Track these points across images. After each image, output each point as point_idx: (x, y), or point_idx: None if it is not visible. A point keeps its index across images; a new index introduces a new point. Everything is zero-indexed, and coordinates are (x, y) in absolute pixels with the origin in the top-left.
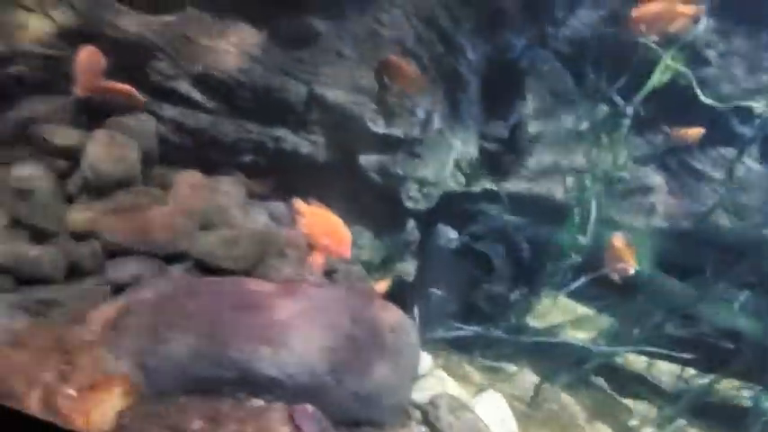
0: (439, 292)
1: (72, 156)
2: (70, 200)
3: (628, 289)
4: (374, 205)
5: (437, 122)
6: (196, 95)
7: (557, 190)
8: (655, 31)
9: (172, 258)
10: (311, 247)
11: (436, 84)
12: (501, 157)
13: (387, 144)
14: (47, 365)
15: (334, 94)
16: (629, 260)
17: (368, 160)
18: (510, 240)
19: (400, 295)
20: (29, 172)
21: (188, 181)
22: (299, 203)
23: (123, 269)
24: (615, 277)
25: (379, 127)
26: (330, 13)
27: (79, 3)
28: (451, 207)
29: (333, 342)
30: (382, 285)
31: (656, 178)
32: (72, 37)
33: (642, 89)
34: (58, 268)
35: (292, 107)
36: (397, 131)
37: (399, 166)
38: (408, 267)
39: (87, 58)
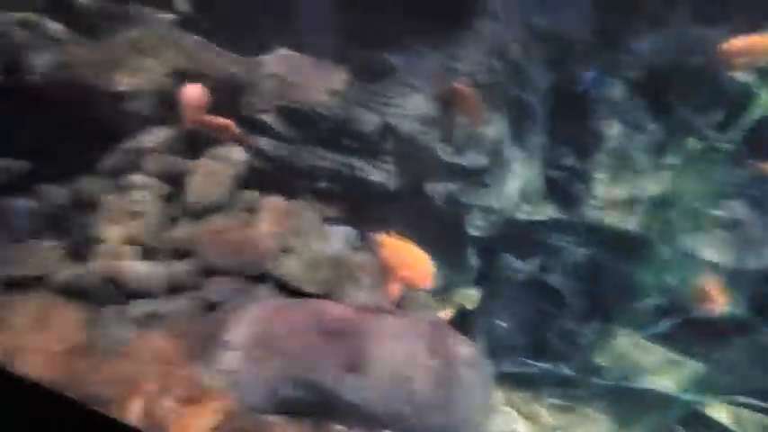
0: (505, 325)
1: (177, 182)
2: (173, 221)
3: (717, 333)
4: (438, 232)
5: (504, 151)
6: (280, 126)
7: (631, 221)
8: (743, 65)
9: (258, 278)
10: (390, 276)
11: (503, 112)
12: (568, 185)
13: (454, 173)
14: (149, 376)
15: (407, 125)
16: (718, 301)
17: (435, 188)
18: (582, 274)
19: (464, 325)
20: (141, 196)
21: (271, 206)
22: (380, 235)
23: (218, 288)
24: (705, 318)
25: (448, 156)
26: (405, 49)
27: (187, 46)
28: (516, 236)
29: (411, 372)
30: (447, 314)
31: (744, 212)
32: (180, 76)
33: (732, 121)
34: (162, 284)
35: (367, 137)
36: (465, 161)
37: (465, 195)
38: (470, 295)
39: (192, 94)
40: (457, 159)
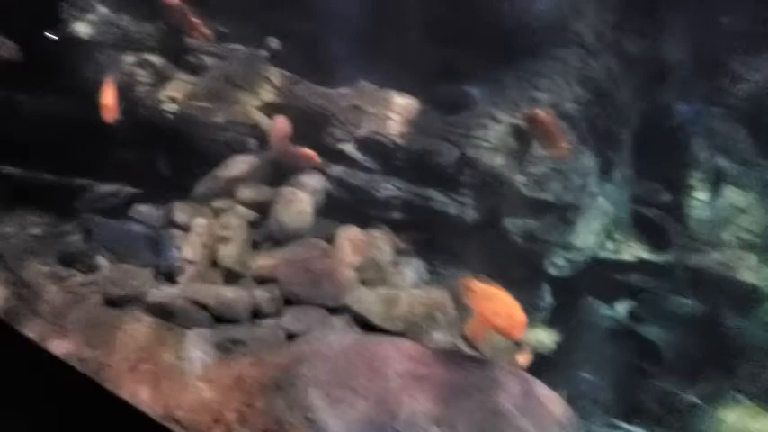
0: (590, 378)
1: (261, 209)
2: (255, 246)
3: None
4: (512, 268)
5: (589, 185)
6: (358, 156)
7: (741, 268)
8: None
9: (336, 310)
10: (479, 323)
11: (589, 144)
12: (661, 224)
13: (535, 207)
14: (229, 404)
15: (485, 157)
16: None
17: (514, 223)
18: (681, 326)
19: (542, 374)
20: (231, 223)
21: (348, 236)
22: (470, 280)
23: (297, 318)
24: None
25: (529, 189)
26: (486, 80)
27: (279, 82)
28: (601, 277)
29: (497, 429)
30: (524, 359)
31: None
32: (269, 108)
33: None
34: (245, 310)
35: (444, 169)
36: (547, 195)
37: (546, 231)
38: (544, 338)
39: (280, 126)
40: (538, 193)
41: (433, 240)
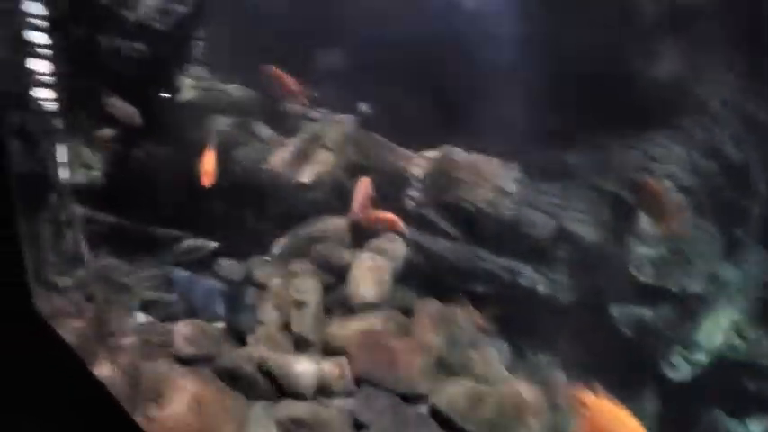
0: None
1: (338, 272)
2: (328, 311)
3: None
4: (617, 365)
5: (715, 270)
6: (440, 222)
7: None
8: None
9: (411, 399)
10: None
11: (713, 222)
12: None
13: (649, 295)
14: None
15: (588, 232)
16: None
17: (622, 311)
18: None
19: None
20: (306, 286)
21: (428, 311)
22: (582, 393)
23: (367, 404)
24: None
25: (645, 275)
26: (589, 146)
27: (363, 142)
28: (728, 384)
29: None
30: None
31: None
32: (354, 169)
33: None
34: (312, 386)
35: (536, 242)
36: (666, 281)
37: (662, 323)
38: None
39: (363, 187)
40: (654, 278)
41: (519, 320)
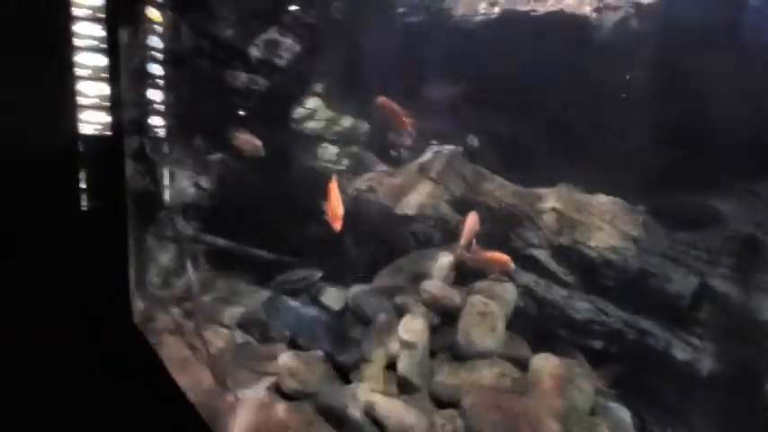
0: None
1: (446, 313)
2: (432, 354)
3: None
4: None
5: None
6: (554, 266)
7: None
8: None
9: None
10: None
11: None
12: None
13: None
14: None
15: (740, 293)
16: None
17: None
18: None
19: None
20: (415, 326)
21: (548, 369)
22: None
23: None
24: None
25: None
26: (740, 191)
27: (470, 176)
28: None
29: None
30: None
31: None
32: (460, 204)
33: None
34: None
35: (673, 299)
36: None
37: None
38: None
39: (471, 222)
40: None
41: (645, 387)
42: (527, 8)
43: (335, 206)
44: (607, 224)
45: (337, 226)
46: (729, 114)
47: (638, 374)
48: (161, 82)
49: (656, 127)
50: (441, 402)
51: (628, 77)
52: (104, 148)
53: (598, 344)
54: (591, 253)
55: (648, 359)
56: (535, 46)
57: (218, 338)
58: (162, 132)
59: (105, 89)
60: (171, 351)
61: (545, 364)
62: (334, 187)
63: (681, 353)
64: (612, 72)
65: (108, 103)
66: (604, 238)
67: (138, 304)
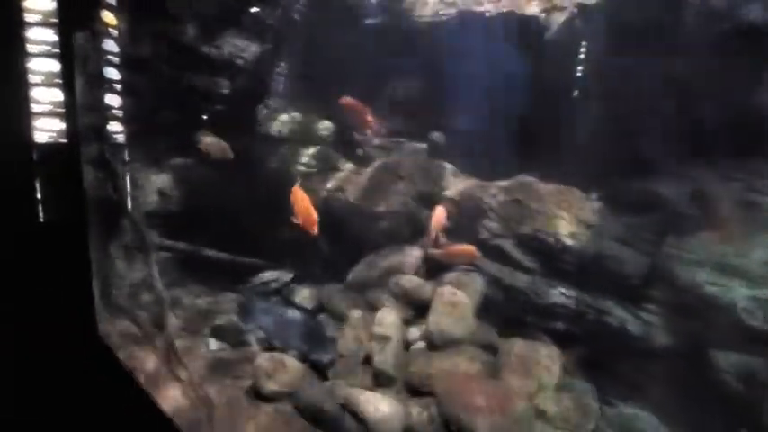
0: None
1: (417, 305)
2: (405, 346)
3: None
4: (717, 416)
5: None
6: (518, 255)
7: None
8: None
9: None
10: None
11: None
12: None
13: (764, 343)
14: None
15: (686, 271)
16: None
17: (727, 358)
18: None
19: None
20: (388, 320)
21: (516, 352)
22: None
23: None
24: None
25: (756, 320)
26: (681, 178)
27: (434, 171)
28: None
29: None
30: None
31: None
32: (428, 199)
33: None
34: (400, 429)
35: (626, 279)
36: None
37: None
38: None
39: (438, 216)
40: (764, 322)
41: (605, 363)
42: (482, 9)
43: (309, 212)
44: (564, 212)
45: (314, 230)
46: (666, 107)
47: (598, 351)
48: (119, 87)
49: (602, 120)
50: (416, 391)
51: (574, 74)
52: (60, 156)
53: (561, 325)
54: (551, 240)
55: (607, 336)
56: (490, 44)
57: (190, 347)
58: (122, 138)
59: (60, 95)
60: (141, 363)
61: (512, 347)
62: (301, 194)
63: (635, 328)
64: (560, 68)
65: (62, 110)
66: (562, 226)
67: (104, 316)
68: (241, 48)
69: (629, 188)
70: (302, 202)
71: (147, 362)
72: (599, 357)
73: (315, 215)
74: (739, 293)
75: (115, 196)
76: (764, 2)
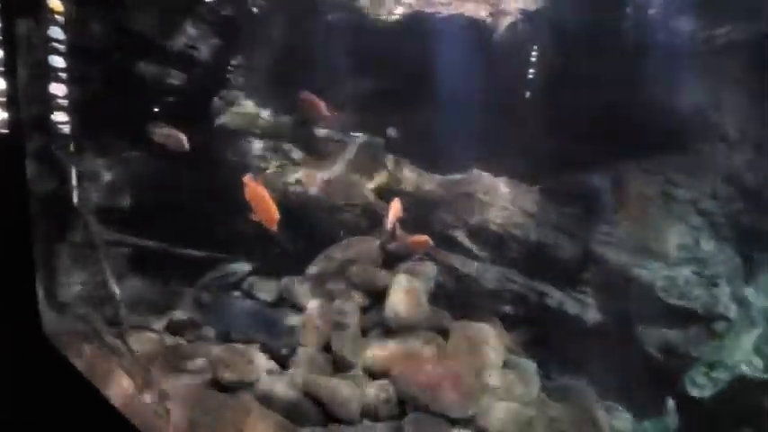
0: None
1: (374, 294)
2: (363, 333)
3: None
4: (643, 384)
5: (738, 293)
6: (469, 244)
7: None
8: None
9: (457, 423)
10: None
11: (734, 246)
12: None
13: (676, 316)
14: None
15: (617, 255)
16: None
17: (649, 332)
18: None
19: None
20: (346, 307)
21: (467, 333)
22: None
23: (418, 430)
24: None
25: (672, 297)
26: (611, 170)
27: (393, 167)
28: (744, 400)
29: None
30: None
31: None
32: (384, 192)
33: None
34: (359, 410)
35: (564, 264)
36: (693, 303)
37: (688, 344)
38: None
39: (395, 209)
40: (681, 300)
41: (546, 341)
42: (433, 10)
43: (268, 207)
44: (510, 203)
45: (275, 226)
46: (598, 107)
47: (540, 331)
48: (67, 76)
49: (543, 118)
50: (374, 375)
51: (519, 75)
52: (2, 149)
53: (508, 308)
54: (498, 230)
55: (547, 317)
56: (441, 45)
57: (145, 344)
58: (70, 129)
59: (1, 85)
60: (92, 361)
61: (463, 330)
62: (257, 189)
63: (572, 308)
64: (506, 70)
65: (4, 100)
66: (508, 216)
67: (49, 315)
68: (196, 38)
69: (565, 181)
70: (260, 198)
71: (98, 360)
72: (541, 336)
73: (275, 210)
74: (658, 274)
75: (62, 190)
76: (690, 14)
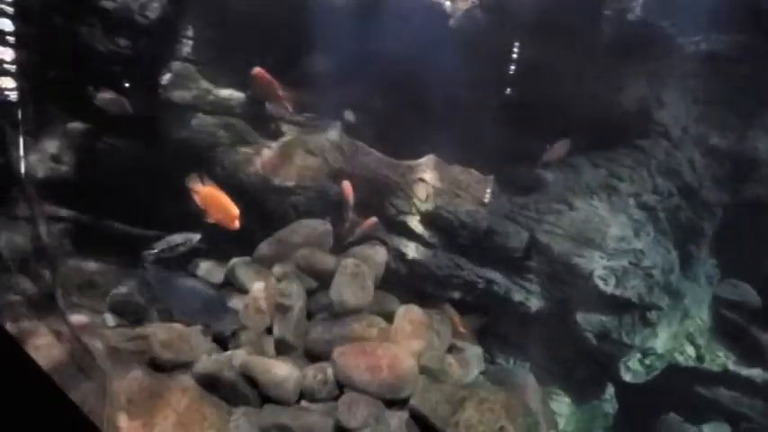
0: None
1: (321, 277)
2: (309, 316)
3: None
4: (581, 369)
5: (672, 283)
6: (421, 230)
7: None
8: None
9: (393, 403)
10: None
11: (670, 237)
12: (749, 331)
13: (613, 305)
14: None
15: (558, 244)
16: None
17: (587, 319)
18: None
19: None
20: (291, 290)
21: (410, 317)
22: None
23: (351, 410)
24: None
25: (609, 286)
26: (559, 164)
27: (346, 148)
28: (675, 385)
29: None
30: None
31: None
32: (338, 175)
33: None
34: (296, 391)
35: (510, 252)
36: (629, 293)
37: (623, 331)
38: None
39: (346, 191)
40: (617, 290)
41: (492, 326)
42: None
43: (225, 207)
44: (463, 191)
45: (235, 225)
46: (550, 100)
47: (487, 316)
48: (9, 39)
49: (497, 108)
50: (314, 357)
51: (474, 62)
52: None
53: (457, 294)
54: (450, 217)
55: (494, 303)
56: (401, 28)
57: (87, 322)
58: (12, 96)
59: None
60: (30, 336)
61: (406, 313)
62: (207, 191)
63: (517, 295)
64: (462, 56)
65: None
66: (461, 204)
67: None
68: (143, 4)
69: (517, 171)
70: (213, 201)
71: (37, 335)
72: (488, 322)
73: (233, 208)
74: (597, 264)
75: (2, 161)
76: (646, 8)
